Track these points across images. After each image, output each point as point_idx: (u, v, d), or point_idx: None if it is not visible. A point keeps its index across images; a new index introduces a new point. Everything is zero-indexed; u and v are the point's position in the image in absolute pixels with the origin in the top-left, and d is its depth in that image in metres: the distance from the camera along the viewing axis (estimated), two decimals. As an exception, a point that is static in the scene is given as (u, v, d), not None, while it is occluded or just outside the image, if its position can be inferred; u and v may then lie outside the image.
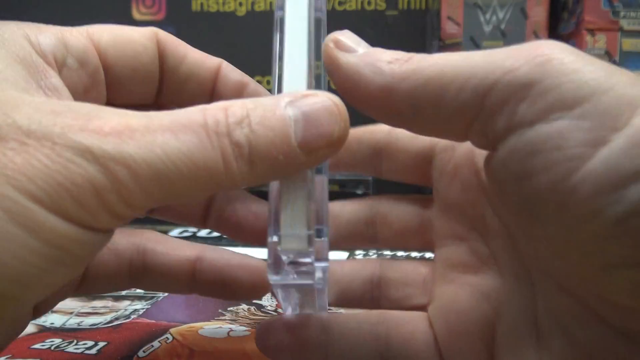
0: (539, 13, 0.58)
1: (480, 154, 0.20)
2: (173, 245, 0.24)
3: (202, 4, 0.62)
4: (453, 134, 0.19)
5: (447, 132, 0.19)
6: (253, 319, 0.30)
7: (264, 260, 0.22)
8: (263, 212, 0.24)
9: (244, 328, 0.28)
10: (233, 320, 0.30)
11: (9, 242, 0.14)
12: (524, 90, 0.16)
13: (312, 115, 0.17)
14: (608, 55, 0.56)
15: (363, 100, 0.19)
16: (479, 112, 0.17)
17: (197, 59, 0.24)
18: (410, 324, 0.22)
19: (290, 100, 0.17)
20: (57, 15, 0.62)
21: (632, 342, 0.17)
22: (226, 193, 0.24)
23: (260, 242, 0.22)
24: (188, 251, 0.24)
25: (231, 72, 0.24)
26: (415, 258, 0.25)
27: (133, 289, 0.24)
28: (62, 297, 0.23)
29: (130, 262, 0.23)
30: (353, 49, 0.19)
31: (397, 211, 0.24)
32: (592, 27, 0.55)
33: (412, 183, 0.25)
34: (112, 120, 0.16)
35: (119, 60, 0.22)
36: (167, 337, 0.27)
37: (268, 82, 0.57)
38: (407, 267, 0.24)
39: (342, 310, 0.26)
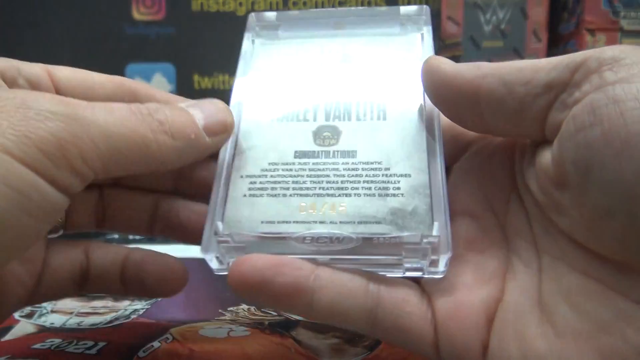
0: (539, 13, 0.58)
1: (522, 148, 0.23)
2: (108, 248, 0.26)
3: (202, 4, 0.62)
4: (534, 111, 0.20)
5: (528, 110, 0.20)
6: (253, 319, 0.30)
7: (178, 258, 0.26)
8: (203, 211, 0.24)
9: (244, 328, 0.28)
10: (233, 320, 0.30)
11: None
12: (611, 63, 0.18)
13: (206, 109, 0.23)
14: (608, 55, 0.56)
15: (458, 92, 0.21)
16: (567, 86, 0.19)
17: (164, 98, 0.26)
18: (403, 287, 0.21)
19: (185, 104, 0.23)
20: (58, 15, 0.62)
21: None
22: (168, 200, 0.26)
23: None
24: (120, 251, 0.26)
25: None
26: None
27: (80, 295, 0.27)
28: (20, 305, 0.24)
29: (80, 265, 0.25)
30: (453, 63, 0.22)
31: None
32: (592, 27, 0.55)
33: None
34: (60, 97, 0.20)
35: (73, 91, 0.24)
36: (167, 337, 0.27)
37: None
38: None
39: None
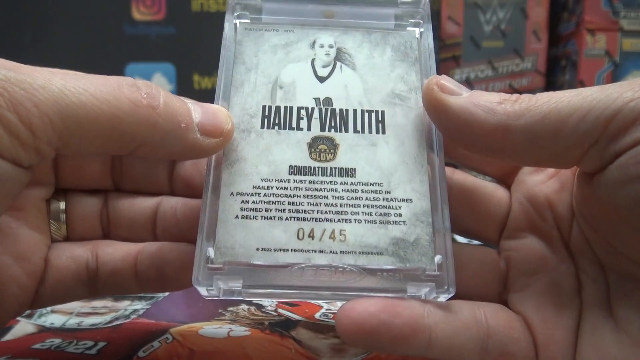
0: (539, 13, 0.58)
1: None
2: (119, 245, 0.25)
3: (202, 4, 0.62)
4: (567, 161, 0.20)
5: (561, 160, 0.20)
6: (253, 319, 0.30)
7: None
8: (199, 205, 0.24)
9: (244, 328, 0.28)
10: (233, 320, 0.30)
11: None
12: None
13: (208, 110, 0.21)
14: (608, 55, 0.56)
15: (475, 138, 0.20)
16: (600, 137, 0.19)
17: None
18: (504, 313, 0.22)
19: (187, 100, 0.21)
20: (58, 15, 0.62)
21: None
22: (169, 203, 0.25)
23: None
24: (133, 247, 0.25)
25: None
26: (481, 245, 0.25)
27: (91, 297, 0.25)
28: (20, 307, 0.23)
29: (87, 266, 0.24)
30: (458, 92, 0.21)
31: (482, 193, 0.25)
32: (592, 27, 0.55)
33: (486, 174, 0.25)
34: (12, 62, 0.18)
35: None
36: (167, 337, 0.27)
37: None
38: (480, 253, 0.24)
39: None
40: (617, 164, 0.19)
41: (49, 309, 0.31)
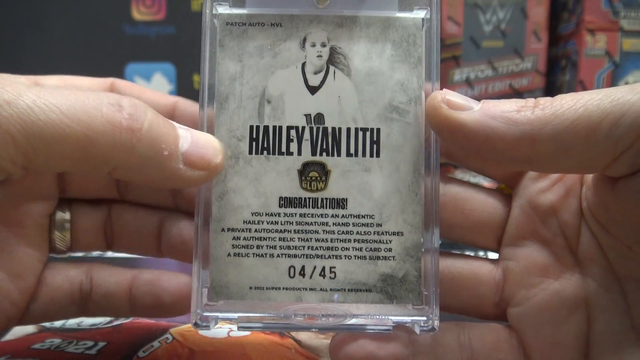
0: (539, 13, 0.58)
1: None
2: (113, 270, 0.25)
3: (202, 4, 0.62)
4: (596, 166, 0.19)
5: (590, 166, 0.19)
6: (253, 319, 0.30)
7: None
8: None
9: (244, 328, 0.28)
10: (233, 320, 0.30)
11: None
12: None
13: (197, 140, 0.20)
14: (608, 55, 0.56)
15: (497, 153, 0.19)
16: (634, 143, 0.18)
17: (151, 98, 0.25)
18: (492, 332, 0.22)
19: (179, 125, 0.20)
20: (58, 15, 0.62)
21: None
22: (172, 219, 0.25)
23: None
24: (127, 271, 0.25)
25: (188, 108, 0.25)
26: (478, 257, 0.24)
27: (82, 317, 0.25)
28: (9, 322, 0.23)
29: (81, 287, 0.24)
30: (468, 106, 0.19)
31: (475, 200, 0.23)
32: (592, 27, 0.55)
33: (492, 178, 0.24)
34: (9, 77, 0.17)
35: None
36: (167, 337, 0.27)
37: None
38: (475, 264, 0.23)
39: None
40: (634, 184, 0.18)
41: (49, 309, 0.31)
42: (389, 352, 0.21)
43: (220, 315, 0.21)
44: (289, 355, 0.25)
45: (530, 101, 0.19)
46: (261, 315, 0.21)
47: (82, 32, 0.62)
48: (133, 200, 0.25)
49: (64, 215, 0.24)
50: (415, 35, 0.22)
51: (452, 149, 0.21)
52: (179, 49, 0.62)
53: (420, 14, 0.22)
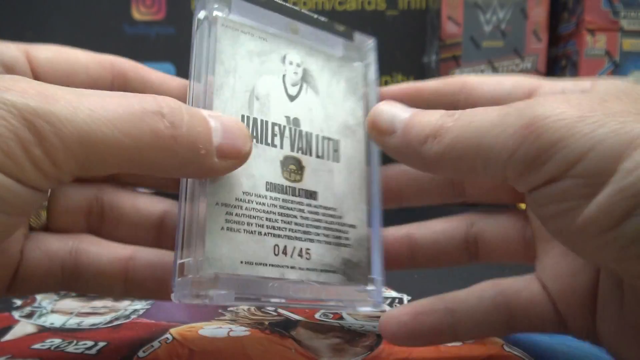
0: (539, 13, 0.58)
1: None
2: (106, 246, 0.24)
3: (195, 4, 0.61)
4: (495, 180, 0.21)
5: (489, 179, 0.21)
6: (253, 319, 0.30)
7: None
8: None
9: (244, 328, 0.28)
10: (233, 320, 0.30)
11: None
12: (530, 166, 0.19)
13: (229, 129, 0.20)
14: (608, 56, 0.56)
15: (414, 167, 0.23)
16: (505, 179, 0.20)
17: (162, 79, 0.25)
18: (527, 289, 0.24)
19: (209, 114, 0.20)
20: (58, 15, 0.62)
21: None
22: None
23: None
24: (120, 251, 0.24)
25: None
26: (508, 211, 0.27)
27: (64, 291, 0.25)
28: None
29: (63, 264, 0.23)
30: (391, 131, 0.22)
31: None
32: (592, 27, 0.55)
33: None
34: (40, 87, 0.17)
35: (53, 74, 0.23)
36: (167, 337, 0.27)
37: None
38: (503, 222, 0.26)
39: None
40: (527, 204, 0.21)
41: (49, 308, 0.31)
42: (432, 322, 0.24)
43: (213, 287, 0.21)
44: (289, 355, 0.25)
45: (437, 127, 0.21)
46: (251, 286, 0.22)
47: (82, 32, 0.62)
48: (133, 181, 0.25)
49: None
50: (358, 78, 0.28)
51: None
52: (178, 49, 0.62)
53: (360, 64, 0.28)
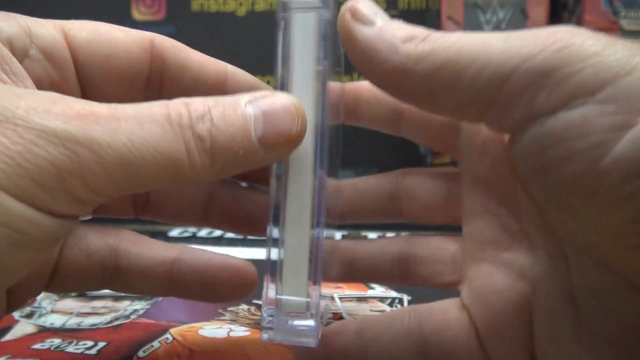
0: (539, 13, 0.58)
1: None
2: (149, 246, 0.23)
3: (202, 4, 0.62)
4: (468, 118, 0.19)
5: (462, 116, 0.19)
6: (253, 319, 0.30)
7: (246, 260, 0.23)
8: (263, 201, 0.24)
9: (244, 328, 0.28)
10: (233, 320, 0.30)
11: None
12: (543, 79, 0.15)
13: (271, 113, 0.18)
14: (608, 55, 0.56)
15: (377, 78, 0.19)
16: (495, 101, 0.17)
17: (201, 64, 0.23)
18: (441, 312, 0.22)
19: (250, 99, 0.18)
20: (58, 15, 0.62)
21: None
22: (229, 189, 0.24)
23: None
24: (165, 252, 0.23)
25: (240, 77, 0.24)
26: (443, 233, 0.24)
27: (105, 289, 0.23)
28: (34, 292, 0.22)
29: (103, 263, 0.22)
30: (371, 21, 0.18)
31: (423, 185, 0.24)
32: (592, 27, 0.55)
33: (435, 150, 0.25)
34: (77, 105, 0.16)
35: (93, 58, 0.21)
36: (167, 337, 0.27)
37: (268, 82, 0.57)
38: (436, 243, 0.24)
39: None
40: (520, 147, 0.17)
41: (49, 308, 0.31)
42: (340, 343, 0.22)
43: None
44: (289, 355, 0.25)
45: (425, 33, 0.18)
46: None
47: (82, 32, 0.62)
48: (151, 217, 0.25)
49: None
50: None
51: (351, 60, 0.20)
52: (179, 49, 0.62)
53: None
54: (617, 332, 0.17)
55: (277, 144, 0.18)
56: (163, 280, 0.23)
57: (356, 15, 0.19)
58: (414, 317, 0.22)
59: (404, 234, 0.25)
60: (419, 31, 0.18)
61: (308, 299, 0.19)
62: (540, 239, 0.20)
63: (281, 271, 0.19)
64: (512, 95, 0.16)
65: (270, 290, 0.19)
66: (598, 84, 0.15)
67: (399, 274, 0.24)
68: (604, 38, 0.16)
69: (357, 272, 0.25)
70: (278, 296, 0.19)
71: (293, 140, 0.18)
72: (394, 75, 0.18)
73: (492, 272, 0.21)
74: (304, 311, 0.19)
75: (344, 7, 0.19)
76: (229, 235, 0.43)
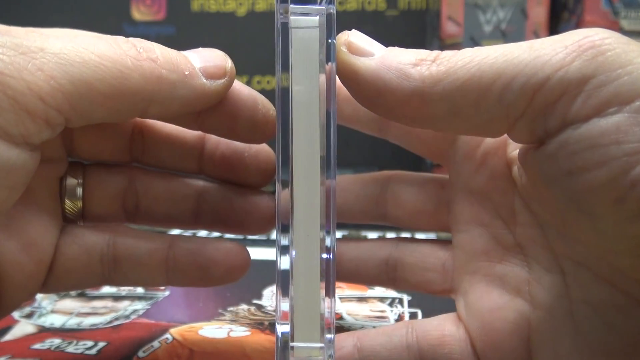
0: (539, 13, 0.58)
1: (515, 146, 0.20)
2: (144, 236, 0.23)
3: (202, 4, 0.62)
4: (491, 133, 0.18)
5: (487, 131, 0.18)
6: (253, 319, 0.30)
7: (238, 240, 0.24)
8: (264, 203, 0.24)
9: (244, 328, 0.28)
10: (233, 320, 0.30)
11: None
12: (578, 87, 0.15)
13: (204, 54, 0.20)
14: (608, 55, 0.56)
15: (389, 108, 0.18)
16: (526, 111, 0.16)
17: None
18: (437, 328, 0.22)
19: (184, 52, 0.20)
20: (58, 15, 0.62)
21: None
22: (218, 189, 0.24)
23: (265, 229, 0.24)
24: (160, 239, 0.23)
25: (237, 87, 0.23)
26: (432, 240, 0.24)
27: (105, 285, 0.24)
28: (29, 294, 0.22)
29: (102, 257, 0.22)
30: (369, 52, 0.18)
31: (410, 191, 0.23)
32: (592, 27, 0.55)
33: (422, 156, 0.24)
34: (21, 29, 0.17)
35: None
36: (167, 337, 0.27)
37: (268, 82, 0.57)
38: (425, 250, 0.23)
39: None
40: (547, 152, 0.16)
41: (49, 309, 0.31)
42: (339, 356, 0.21)
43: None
44: (289, 355, 0.25)
45: (434, 54, 0.18)
46: None
47: (82, 32, 0.62)
48: (153, 164, 0.24)
49: (75, 181, 0.23)
50: None
51: (353, 96, 0.19)
52: (178, 49, 0.62)
53: None
54: (618, 347, 0.17)
55: (217, 74, 0.20)
56: (161, 268, 0.23)
57: (353, 49, 0.18)
58: (411, 332, 0.22)
59: (403, 234, 0.25)
60: (423, 53, 0.18)
61: (322, 344, 0.18)
62: (537, 253, 0.20)
63: (292, 314, 0.18)
64: (545, 105, 0.16)
65: (282, 303, 0.18)
66: (633, 92, 0.15)
67: (387, 278, 0.24)
68: (636, 45, 0.15)
69: (341, 272, 0.24)
70: (292, 344, 0.18)
71: (230, 74, 0.20)
72: (410, 101, 0.17)
73: (487, 287, 0.21)
74: (318, 356, 0.18)
75: (338, 44, 0.18)
76: (229, 235, 0.43)
